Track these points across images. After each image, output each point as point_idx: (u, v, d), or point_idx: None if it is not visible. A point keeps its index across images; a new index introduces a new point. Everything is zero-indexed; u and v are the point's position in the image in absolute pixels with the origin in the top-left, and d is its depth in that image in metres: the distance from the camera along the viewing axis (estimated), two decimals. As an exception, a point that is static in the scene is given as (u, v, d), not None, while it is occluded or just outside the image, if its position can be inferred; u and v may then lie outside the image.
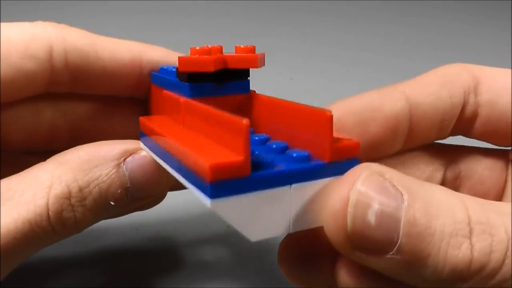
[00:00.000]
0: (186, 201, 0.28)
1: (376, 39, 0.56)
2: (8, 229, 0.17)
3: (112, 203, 0.19)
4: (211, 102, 0.17)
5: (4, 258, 0.17)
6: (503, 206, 0.15)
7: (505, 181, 0.21)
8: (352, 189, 0.14)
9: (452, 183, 0.22)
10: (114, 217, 0.20)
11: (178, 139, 0.16)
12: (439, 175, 0.22)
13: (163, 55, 0.22)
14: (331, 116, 0.14)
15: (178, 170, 0.16)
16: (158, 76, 0.21)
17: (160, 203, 0.21)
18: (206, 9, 0.64)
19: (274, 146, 0.16)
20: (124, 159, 0.19)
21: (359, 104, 0.19)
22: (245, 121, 0.13)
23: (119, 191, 0.19)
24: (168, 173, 0.17)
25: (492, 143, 0.22)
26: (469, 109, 0.20)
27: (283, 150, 0.16)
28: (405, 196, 0.14)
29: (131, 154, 0.19)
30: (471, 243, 0.14)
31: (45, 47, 0.19)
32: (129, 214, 0.29)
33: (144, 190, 0.19)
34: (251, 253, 0.27)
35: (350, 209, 0.14)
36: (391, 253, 0.14)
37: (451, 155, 0.22)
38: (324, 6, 0.65)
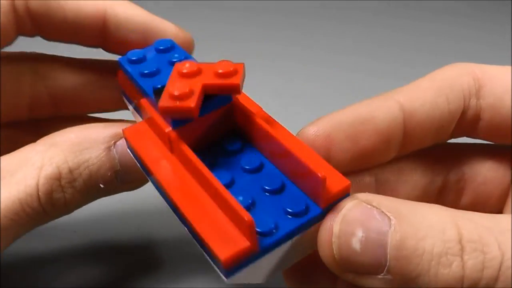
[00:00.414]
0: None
1: (377, 43, 0.56)
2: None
3: (102, 186, 0.19)
4: (195, 125, 0.17)
5: None
6: (500, 221, 0.15)
7: (510, 182, 0.21)
8: (335, 221, 0.15)
9: (456, 185, 0.22)
10: (103, 197, 0.20)
11: (179, 193, 0.16)
12: (439, 179, 0.22)
13: (129, 13, 0.21)
14: (325, 179, 0.15)
15: (187, 229, 0.17)
16: (128, 70, 0.20)
17: (160, 204, 0.21)
18: (204, 10, 0.64)
19: (267, 187, 0.16)
20: (114, 142, 0.19)
21: (349, 117, 0.19)
22: (247, 218, 0.14)
23: (109, 174, 0.19)
24: None
25: (498, 143, 0.21)
26: (471, 113, 0.20)
27: (279, 191, 0.16)
28: (393, 221, 0.14)
29: (121, 137, 0.19)
30: (462, 261, 0.14)
31: None
32: (129, 214, 0.29)
33: (134, 173, 0.19)
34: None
35: (334, 239, 0.15)
36: (382, 274, 0.15)
37: (453, 158, 0.22)
38: (324, 10, 0.65)
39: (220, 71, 0.17)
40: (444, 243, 0.14)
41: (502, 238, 0.14)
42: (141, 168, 0.18)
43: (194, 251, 0.27)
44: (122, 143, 0.19)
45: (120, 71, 0.21)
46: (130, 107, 0.22)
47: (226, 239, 0.15)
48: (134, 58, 0.20)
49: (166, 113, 0.16)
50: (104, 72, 0.23)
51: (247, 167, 0.17)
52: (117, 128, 0.19)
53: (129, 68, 0.20)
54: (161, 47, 0.21)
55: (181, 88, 0.16)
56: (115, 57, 0.22)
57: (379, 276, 0.15)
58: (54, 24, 0.21)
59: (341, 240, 0.15)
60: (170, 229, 0.28)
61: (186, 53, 0.21)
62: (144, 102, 0.18)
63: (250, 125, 0.17)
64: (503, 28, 0.60)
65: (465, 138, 0.22)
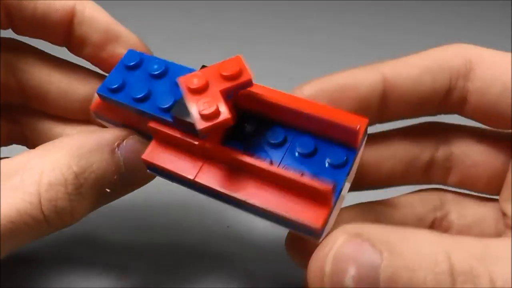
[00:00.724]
0: (186, 202, 0.28)
1: (376, 43, 0.56)
2: None
3: (108, 190, 0.18)
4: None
5: None
6: (491, 247, 0.15)
7: (506, 169, 0.21)
8: (327, 259, 0.15)
9: (443, 164, 0.22)
10: (106, 204, 0.20)
11: (239, 190, 0.17)
12: (426, 156, 0.22)
13: (96, 13, 0.21)
14: (360, 128, 0.17)
15: (266, 218, 0.18)
16: (120, 101, 0.19)
17: (161, 204, 0.21)
18: (204, 7, 0.64)
19: (304, 152, 0.18)
20: (118, 145, 0.19)
21: (332, 84, 0.20)
22: (324, 187, 0.16)
23: (114, 177, 0.18)
24: None
25: (486, 125, 0.21)
26: (457, 94, 0.20)
27: (314, 152, 0.18)
28: (384, 254, 0.14)
29: (123, 139, 0.19)
30: None
31: None
32: (131, 215, 0.29)
33: (137, 174, 0.19)
34: (251, 253, 0.27)
35: (326, 279, 0.15)
36: None
37: (443, 137, 0.22)
38: (326, 7, 0.65)
39: (226, 73, 0.17)
40: (436, 275, 0.14)
41: (493, 268, 0.14)
42: (177, 183, 0.19)
43: (194, 251, 0.27)
44: (125, 144, 0.19)
45: (98, 101, 0.20)
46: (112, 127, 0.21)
47: (309, 210, 0.17)
48: (115, 86, 0.19)
49: (207, 132, 0.16)
50: (78, 79, 0.23)
51: (274, 142, 0.18)
52: (118, 132, 0.19)
53: (118, 97, 0.19)
54: (132, 63, 0.20)
55: (207, 106, 0.16)
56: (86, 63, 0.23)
57: None
58: (24, 16, 0.21)
59: (333, 279, 0.15)
60: (169, 230, 0.28)
61: (160, 60, 0.20)
62: (154, 124, 0.18)
63: (263, 105, 0.18)
64: (503, 28, 0.61)
65: (456, 116, 0.22)
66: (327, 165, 0.18)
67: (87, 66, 0.24)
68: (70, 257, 0.26)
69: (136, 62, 0.20)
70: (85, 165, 0.17)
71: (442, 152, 0.22)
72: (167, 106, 0.18)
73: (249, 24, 0.59)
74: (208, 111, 0.16)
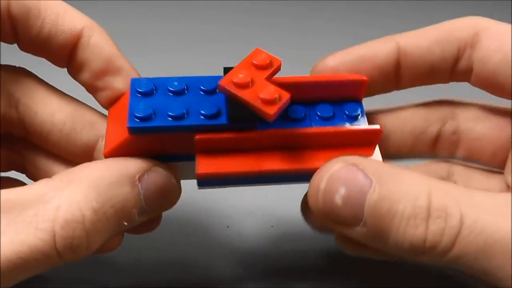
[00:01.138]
0: (186, 202, 0.28)
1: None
2: (5, 253, 0.15)
3: (126, 224, 0.17)
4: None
5: None
6: (474, 195, 0.17)
7: (505, 151, 0.23)
8: (323, 179, 0.18)
9: (451, 137, 0.24)
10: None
11: (299, 163, 0.19)
12: (434, 129, 0.24)
13: (104, 40, 0.21)
14: (366, 80, 0.21)
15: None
16: (164, 125, 0.19)
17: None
18: (205, 7, 0.64)
19: (325, 115, 0.21)
20: (140, 177, 0.18)
21: (352, 54, 0.22)
22: (378, 128, 0.20)
23: (133, 211, 0.17)
24: (177, 190, 0.19)
25: (491, 93, 0.23)
26: (464, 63, 0.22)
27: (333, 115, 0.21)
28: (374, 183, 0.17)
29: (145, 171, 0.18)
30: (427, 225, 0.17)
31: None
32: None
33: (157, 210, 0.19)
34: (251, 253, 0.27)
35: (320, 194, 0.18)
36: (359, 227, 0.17)
37: (450, 111, 0.24)
38: (328, 8, 0.65)
39: (261, 63, 0.19)
40: (414, 208, 0.17)
41: (467, 211, 0.17)
42: (237, 184, 0.19)
43: (194, 252, 0.27)
44: (146, 178, 0.18)
45: (115, 144, 0.19)
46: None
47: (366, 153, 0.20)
48: (148, 114, 0.19)
49: (276, 116, 0.18)
50: (82, 122, 0.22)
51: (299, 117, 0.20)
52: (140, 163, 0.18)
53: (155, 123, 0.19)
54: (148, 88, 0.20)
55: (266, 94, 0.18)
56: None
57: (356, 228, 0.17)
58: (30, 34, 0.20)
59: (325, 195, 0.17)
60: (169, 230, 0.28)
61: (174, 78, 0.20)
62: (201, 136, 0.19)
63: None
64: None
65: (467, 89, 0.23)
66: (346, 118, 0.21)
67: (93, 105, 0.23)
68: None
69: (152, 86, 0.20)
70: (104, 200, 0.17)
71: (449, 125, 0.24)
72: (213, 112, 0.19)
73: (249, 24, 0.59)
74: (270, 96, 0.17)
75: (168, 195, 0.19)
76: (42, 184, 0.17)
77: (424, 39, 0.22)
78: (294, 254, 0.27)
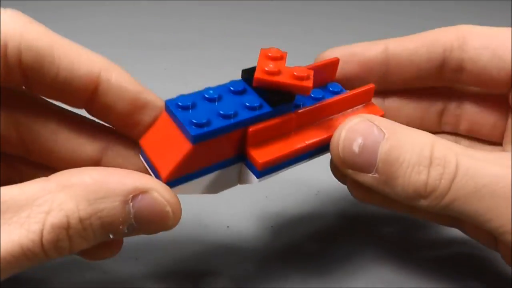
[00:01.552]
0: (187, 202, 0.28)
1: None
2: None
3: (111, 236, 0.18)
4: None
5: None
6: (468, 149, 0.20)
7: (503, 126, 0.25)
8: (344, 129, 0.21)
9: (455, 111, 0.26)
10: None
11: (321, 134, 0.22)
12: (440, 103, 0.26)
13: (127, 83, 0.20)
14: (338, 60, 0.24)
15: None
16: (218, 126, 0.20)
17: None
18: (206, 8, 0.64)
19: (317, 96, 0.24)
20: (133, 197, 0.18)
21: (345, 50, 0.25)
22: (371, 86, 0.24)
23: (121, 227, 0.18)
24: (176, 214, 0.19)
25: (484, 90, 0.25)
26: (453, 63, 0.24)
27: (323, 96, 0.24)
28: (386, 135, 0.20)
29: (141, 193, 0.18)
30: (428, 171, 0.20)
31: (1, 42, 0.18)
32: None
33: (146, 230, 0.19)
34: (251, 253, 0.27)
35: (340, 142, 0.21)
36: (372, 173, 0.20)
37: (452, 92, 0.26)
38: (327, 8, 0.65)
39: (272, 55, 0.22)
40: (419, 157, 0.20)
41: (462, 160, 0.19)
42: (289, 165, 0.22)
43: (194, 252, 0.27)
44: (140, 199, 0.18)
45: (176, 164, 0.19)
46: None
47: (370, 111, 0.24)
48: (204, 120, 0.19)
49: (311, 88, 0.21)
50: (86, 136, 0.22)
51: (299, 104, 0.23)
52: (139, 182, 0.18)
53: (216, 125, 0.19)
54: (189, 102, 0.20)
55: (298, 72, 0.21)
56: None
57: (370, 174, 0.21)
58: (44, 81, 0.19)
59: (345, 143, 0.21)
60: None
61: (204, 90, 0.21)
62: (254, 127, 0.20)
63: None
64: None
65: None
66: (334, 94, 0.24)
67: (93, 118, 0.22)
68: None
69: (192, 100, 0.20)
70: (92, 212, 0.17)
71: (453, 101, 0.26)
72: (257, 104, 0.20)
73: (249, 24, 0.59)
74: (303, 73, 0.21)
75: (160, 221, 0.19)
76: (38, 184, 0.17)
77: (411, 42, 0.24)
78: (294, 254, 0.27)
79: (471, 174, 0.19)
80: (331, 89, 0.24)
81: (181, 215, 0.19)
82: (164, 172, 0.19)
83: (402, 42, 0.24)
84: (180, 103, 0.20)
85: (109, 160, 0.21)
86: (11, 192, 0.17)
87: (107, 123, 0.21)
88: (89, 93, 0.20)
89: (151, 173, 0.20)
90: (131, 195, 0.18)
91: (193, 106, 0.20)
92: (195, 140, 0.19)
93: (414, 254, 0.28)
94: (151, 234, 0.19)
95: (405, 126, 0.21)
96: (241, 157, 0.21)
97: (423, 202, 0.20)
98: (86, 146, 0.21)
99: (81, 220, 0.17)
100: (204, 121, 0.19)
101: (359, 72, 0.25)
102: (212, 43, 0.54)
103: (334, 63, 0.24)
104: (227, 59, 0.50)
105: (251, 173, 0.21)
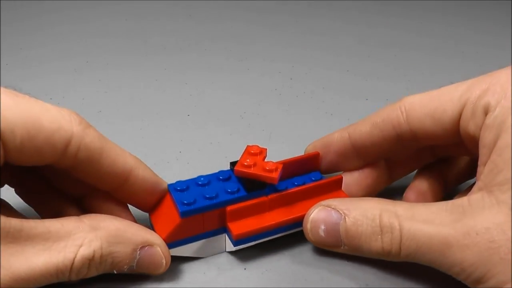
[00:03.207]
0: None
1: (378, 44, 0.56)
2: (40, 267, 0.21)
3: (115, 272, 0.24)
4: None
5: None
6: (411, 208, 0.24)
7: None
8: (308, 221, 0.26)
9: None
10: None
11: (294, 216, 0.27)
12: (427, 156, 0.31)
13: (149, 176, 0.26)
14: (319, 154, 0.30)
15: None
16: (202, 205, 0.25)
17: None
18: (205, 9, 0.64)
19: (299, 183, 0.29)
20: (141, 247, 0.24)
21: (319, 142, 0.31)
22: (339, 176, 0.29)
23: (125, 267, 0.24)
24: (167, 266, 0.25)
25: (441, 145, 0.29)
26: (406, 135, 0.27)
27: (304, 183, 0.29)
28: (343, 216, 0.25)
29: (148, 245, 0.24)
30: (382, 239, 0.24)
31: (65, 140, 0.22)
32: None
33: (142, 272, 0.25)
34: (251, 253, 0.27)
35: (308, 231, 0.26)
36: (342, 247, 0.26)
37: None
38: (327, 8, 0.65)
39: (254, 152, 0.27)
40: (372, 227, 0.25)
41: (404, 223, 0.24)
42: (262, 238, 0.26)
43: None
44: (146, 249, 0.24)
45: (172, 229, 0.25)
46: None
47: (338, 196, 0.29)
48: (191, 200, 0.25)
49: (279, 179, 0.26)
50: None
51: (279, 189, 0.27)
52: (149, 237, 0.24)
53: (198, 205, 0.25)
54: (184, 186, 0.26)
55: (267, 166, 0.26)
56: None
57: (341, 248, 0.26)
58: (87, 171, 0.24)
59: (312, 231, 0.26)
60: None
61: (196, 177, 0.27)
62: (231, 207, 0.26)
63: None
64: (503, 28, 0.61)
65: None
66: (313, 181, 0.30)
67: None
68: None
69: (186, 184, 0.26)
70: (110, 251, 0.23)
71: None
72: (235, 189, 0.26)
73: (251, 23, 0.59)
74: (271, 167, 0.26)
75: (154, 268, 0.25)
76: (72, 222, 0.23)
77: (366, 126, 0.28)
78: (294, 254, 0.27)
79: (412, 236, 0.23)
80: (312, 178, 0.29)
81: (168, 267, 0.25)
82: (161, 237, 0.25)
83: (359, 126, 0.29)
84: (177, 187, 0.26)
85: (97, 195, 0.26)
86: (54, 225, 0.22)
87: (127, 203, 0.27)
88: (119, 185, 0.25)
89: None
90: (140, 246, 0.24)
91: (187, 189, 0.26)
92: (183, 215, 0.25)
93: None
94: (141, 274, 0.25)
95: (357, 200, 0.26)
96: (225, 230, 0.26)
97: (387, 258, 0.25)
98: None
99: (101, 256, 0.23)
100: (191, 200, 0.25)
101: (334, 158, 0.30)
102: (211, 45, 0.54)
103: (315, 156, 0.30)
104: (228, 59, 0.50)
105: (230, 241, 0.26)
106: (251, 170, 0.26)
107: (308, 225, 0.26)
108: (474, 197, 0.23)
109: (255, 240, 0.26)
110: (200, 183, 0.26)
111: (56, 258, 0.22)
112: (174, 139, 0.37)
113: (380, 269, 0.26)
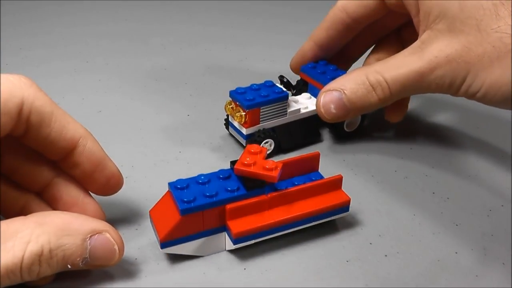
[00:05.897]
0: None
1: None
2: None
3: (69, 266, 0.23)
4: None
5: None
6: (385, 62, 0.32)
7: None
8: (320, 106, 0.33)
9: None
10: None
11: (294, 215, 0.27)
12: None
13: (96, 149, 0.26)
14: (319, 154, 0.30)
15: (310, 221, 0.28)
16: (202, 203, 0.25)
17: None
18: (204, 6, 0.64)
19: (299, 183, 0.29)
20: (90, 236, 0.23)
21: (297, 57, 0.40)
22: (339, 176, 0.29)
23: (78, 259, 0.23)
24: (121, 253, 0.24)
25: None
26: (350, 24, 0.37)
27: (306, 182, 0.29)
28: (342, 91, 0.32)
29: (97, 233, 0.24)
30: (375, 92, 0.32)
31: (18, 106, 0.23)
32: (131, 218, 0.29)
33: (98, 263, 0.24)
34: (251, 253, 0.27)
35: (324, 114, 0.33)
36: (351, 113, 0.33)
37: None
38: (327, 9, 0.65)
39: (254, 150, 0.27)
40: (366, 88, 0.32)
41: (386, 74, 0.31)
42: (261, 237, 0.26)
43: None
44: (96, 238, 0.24)
45: (168, 230, 0.25)
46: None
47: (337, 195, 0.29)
48: (191, 198, 0.25)
49: (278, 178, 0.26)
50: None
51: (279, 188, 0.27)
52: (96, 225, 0.24)
53: (198, 202, 0.25)
54: (184, 184, 0.26)
55: (267, 165, 0.26)
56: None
57: (350, 114, 0.33)
58: (37, 137, 0.24)
59: (327, 112, 0.33)
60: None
61: (197, 176, 0.27)
62: (231, 205, 0.26)
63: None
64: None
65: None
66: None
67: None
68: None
69: (187, 183, 0.26)
70: (59, 244, 0.23)
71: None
72: (235, 188, 0.26)
73: (249, 24, 0.59)
74: (271, 166, 0.26)
75: (108, 256, 0.24)
76: (18, 221, 0.23)
77: (322, 31, 0.38)
78: (294, 253, 0.27)
79: (395, 80, 0.31)
80: (312, 178, 0.29)
81: (123, 254, 0.24)
82: (161, 235, 0.25)
83: (318, 33, 0.38)
84: (178, 185, 0.26)
85: (56, 184, 0.27)
86: (1, 227, 0.22)
87: (71, 175, 0.27)
88: (67, 152, 0.25)
89: (155, 234, 0.26)
90: (89, 235, 0.23)
91: (187, 187, 0.26)
92: (183, 212, 0.25)
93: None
94: (98, 268, 0.25)
95: (345, 75, 0.33)
96: (225, 228, 0.26)
97: (387, 104, 0.33)
98: (43, 171, 0.27)
99: (50, 250, 0.22)
100: (191, 198, 0.25)
101: (312, 60, 0.39)
102: (210, 43, 0.54)
103: (315, 156, 0.30)
104: (228, 59, 0.50)
105: (230, 240, 0.26)
106: (251, 169, 0.26)
107: (322, 109, 0.33)
108: (423, 37, 0.31)
109: (254, 239, 0.26)
110: (200, 181, 0.26)
111: (5, 258, 0.21)
112: (174, 139, 0.37)
113: (380, 269, 0.26)
